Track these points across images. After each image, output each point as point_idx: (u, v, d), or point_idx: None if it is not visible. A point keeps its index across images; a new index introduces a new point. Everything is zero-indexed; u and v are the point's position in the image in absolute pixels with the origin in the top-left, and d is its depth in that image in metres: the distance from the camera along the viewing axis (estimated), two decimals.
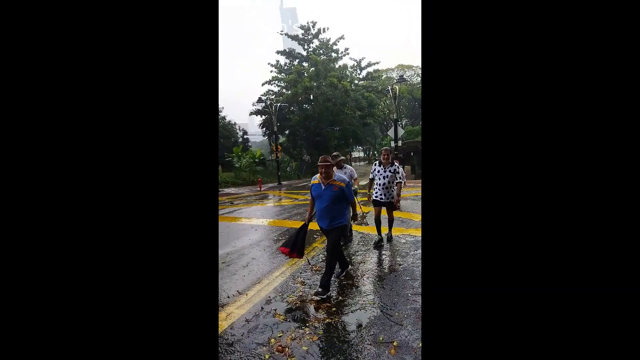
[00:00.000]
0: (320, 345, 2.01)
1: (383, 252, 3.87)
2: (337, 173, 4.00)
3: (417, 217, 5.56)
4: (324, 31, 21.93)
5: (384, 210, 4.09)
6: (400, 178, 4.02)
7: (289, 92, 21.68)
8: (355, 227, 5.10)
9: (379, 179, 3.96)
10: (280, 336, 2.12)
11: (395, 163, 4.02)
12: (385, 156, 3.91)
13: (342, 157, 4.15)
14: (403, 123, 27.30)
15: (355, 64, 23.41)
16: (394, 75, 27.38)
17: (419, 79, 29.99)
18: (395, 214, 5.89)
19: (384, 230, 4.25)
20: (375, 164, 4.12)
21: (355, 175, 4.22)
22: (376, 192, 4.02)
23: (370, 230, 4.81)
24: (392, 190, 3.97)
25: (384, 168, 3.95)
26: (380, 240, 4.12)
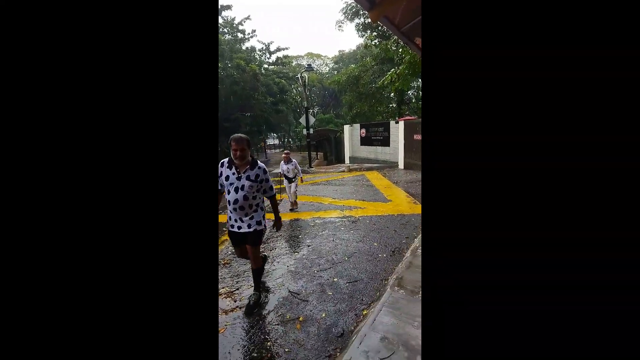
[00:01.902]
0: (228, 336, 2.00)
1: (294, 236, 4.05)
2: None
3: (326, 200, 5.99)
4: (227, 9, 20.29)
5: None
6: (270, 189, 2.16)
7: None
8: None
9: (230, 192, 2.04)
10: None
11: (260, 163, 2.10)
12: (237, 152, 1.97)
13: None
14: (315, 111, 28.35)
15: (264, 47, 22.67)
16: (304, 62, 27.85)
17: (328, 68, 31.37)
18: (306, 198, 6.15)
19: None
20: (222, 165, 2.08)
21: None
22: (229, 217, 2.13)
23: (288, 216, 4.93)
24: (256, 211, 2.13)
25: (238, 172, 2.03)
26: (256, 302, 2.30)
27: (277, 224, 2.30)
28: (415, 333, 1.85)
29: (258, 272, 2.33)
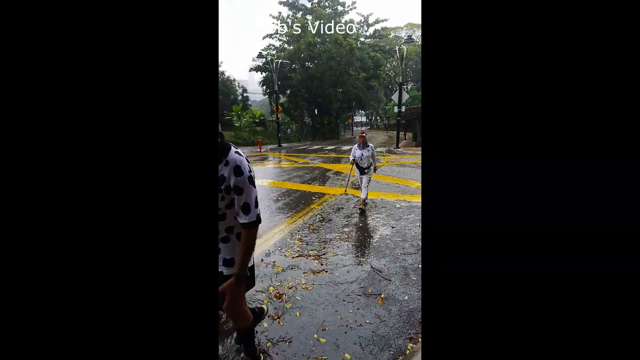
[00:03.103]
0: (314, 294, 2.21)
1: (378, 215, 4.03)
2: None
3: (413, 184, 5.68)
4: None
5: None
6: (243, 211, 1.11)
7: (291, 47, 20.49)
8: (350, 191, 5.20)
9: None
10: (278, 285, 2.31)
11: (232, 153, 1.11)
12: None
13: None
14: (408, 87, 26.24)
15: (363, 19, 21.83)
16: (403, 34, 25.66)
17: None
18: (391, 179, 5.98)
19: None
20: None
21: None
22: None
23: (369, 194, 4.94)
24: (226, 241, 1.23)
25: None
26: None
27: (238, 274, 1.13)
28: None
29: (243, 335, 1.47)
